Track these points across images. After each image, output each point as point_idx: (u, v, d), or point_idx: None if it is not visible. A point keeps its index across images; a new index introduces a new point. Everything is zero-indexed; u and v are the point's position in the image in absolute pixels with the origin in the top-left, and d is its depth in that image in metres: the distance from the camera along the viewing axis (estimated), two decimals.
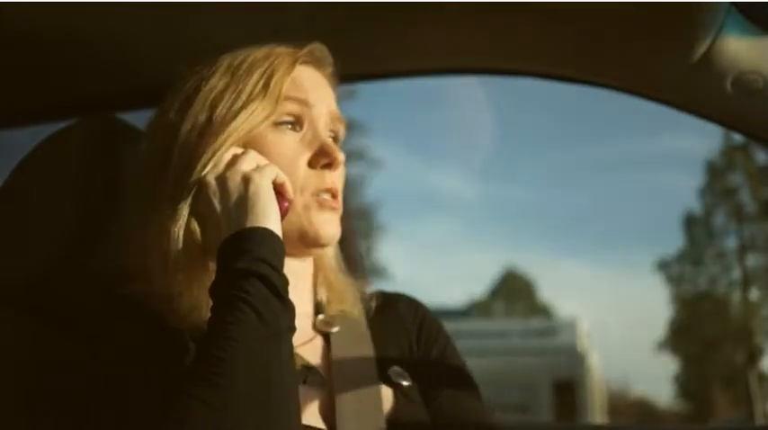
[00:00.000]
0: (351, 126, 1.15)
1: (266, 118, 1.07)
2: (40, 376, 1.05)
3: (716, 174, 25.17)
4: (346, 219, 1.17)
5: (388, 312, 1.25)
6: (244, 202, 0.99)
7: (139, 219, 1.05)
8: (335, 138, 1.16)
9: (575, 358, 19.27)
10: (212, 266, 1.01)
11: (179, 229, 1.01)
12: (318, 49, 1.16)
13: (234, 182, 1.01)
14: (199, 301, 1.01)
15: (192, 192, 1.02)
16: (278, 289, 0.94)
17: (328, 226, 1.11)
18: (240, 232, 0.97)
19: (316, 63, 1.16)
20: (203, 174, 1.02)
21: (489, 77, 1.53)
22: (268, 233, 0.98)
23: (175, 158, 1.05)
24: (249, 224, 0.98)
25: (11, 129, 1.64)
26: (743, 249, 24.66)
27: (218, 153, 1.03)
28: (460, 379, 1.23)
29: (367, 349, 1.17)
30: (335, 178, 1.12)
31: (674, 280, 26.56)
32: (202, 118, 1.06)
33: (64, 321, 1.01)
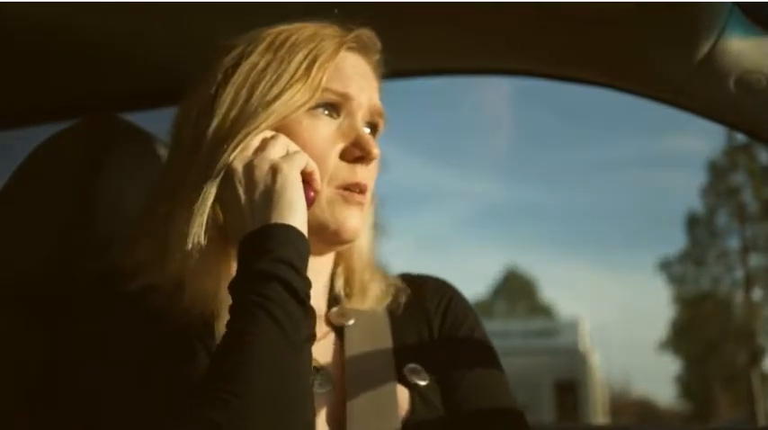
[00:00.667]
0: None
1: (304, 104, 1.02)
2: (40, 376, 1.05)
3: (718, 173, 25.17)
4: None
5: (412, 299, 1.18)
6: (270, 194, 0.95)
7: (165, 199, 1.00)
8: (373, 131, 1.11)
9: (576, 358, 19.29)
10: (232, 254, 0.99)
11: (202, 213, 0.97)
12: (366, 34, 1.11)
13: (261, 170, 0.97)
14: (206, 292, 0.98)
15: (220, 176, 0.97)
16: (299, 294, 0.91)
17: (351, 221, 1.05)
18: (263, 229, 0.93)
19: (362, 49, 1.11)
20: (231, 158, 0.98)
21: (491, 77, 1.52)
22: (293, 231, 0.94)
23: (209, 137, 1.00)
24: (274, 219, 0.93)
25: (13, 129, 1.63)
26: (745, 249, 24.66)
27: (250, 136, 0.99)
28: (485, 360, 1.17)
29: (384, 343, 1.12)
30: (367, 173, 1.07)
31: (676, 280, 26.57)
32: (240, 98, 1.01)
33: (63, 320, 1.00)
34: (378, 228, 1.21)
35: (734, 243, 25.10)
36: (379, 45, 1.12)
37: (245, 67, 1.03)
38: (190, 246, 0.96)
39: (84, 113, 1.24)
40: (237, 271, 0.93)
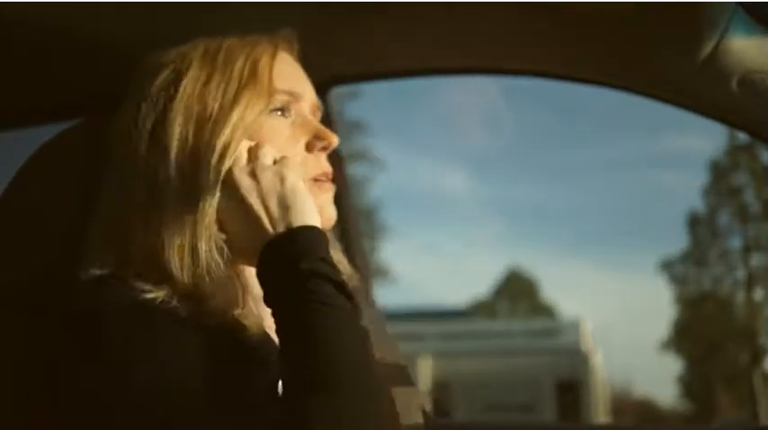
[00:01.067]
0: (353, 126, 1.14)
1: (264, 107, 1.03)
2: (43, 377, 1.04)
3: (720, 173, 25.19)
4: (353, 220, 1.16)
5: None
6: (284, 200, 0.96)
7: (137, 222, 0.99)
8: None
9: (578, 358, 19.31)
10: (242, 263, 1.00)
11: (208, 228, 0.97)
12: (288, 33, 1.12)
13: (267, 178, 0.97)
14: (230, 298, 0.97)
15: (216, 190, 0.97)
16: (346, 289, 0.92)
17: (329, 208, 1.07)
18: (294, 232, 0.94)
19: (290, 49, 1.12)
20: (222, 167, 0.98)
21: (493, 77, 1.52)
22: (321, 232, 0.96)
23: (175, 157, 0.99)
24: (298, 222, 0.94)
25: (15, 129, 1.63)
26: (747, 249, 24.67)
27: (231, 146, 0.99)
28: None
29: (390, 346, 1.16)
30: (326, 161, 1.10)
31: (678, 280, 26.58)
32: (193, 112, 1.00)
33: (81, 324, 0.98)
34: (379, 229, 1.21)
35: (735, 243, 25.13)
36: (296, 40, 1.14)
37: (187, 82, 1.02)
38: (204, 264, 0.96)
39: (88, 113, 1.24)
40: (272, 277, 0.93)
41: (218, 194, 0.97)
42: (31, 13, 1.27)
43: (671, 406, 28.75)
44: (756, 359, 22.73)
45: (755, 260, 24.80)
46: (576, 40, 1.36)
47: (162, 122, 1.01)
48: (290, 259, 0.92)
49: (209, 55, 1.04)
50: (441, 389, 17.22)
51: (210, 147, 0.98)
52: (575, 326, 20.42)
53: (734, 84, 1.27)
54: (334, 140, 1.08)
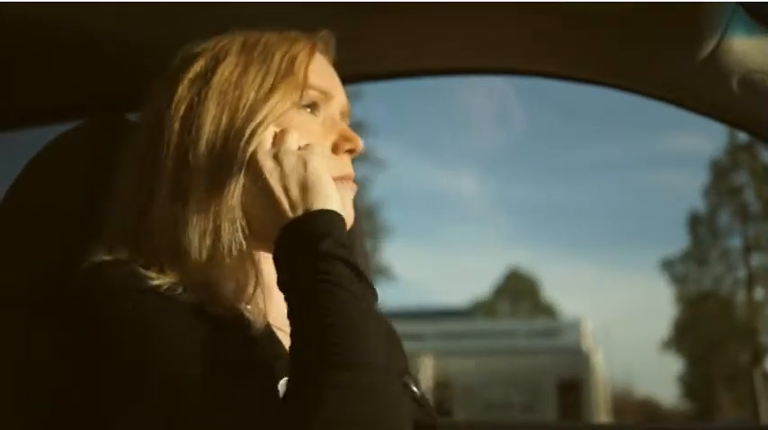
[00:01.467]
0: (355, 126, 1.14)
1: (297, 100, 1.03)
2: (45, 377, 1.05)
3: (720, 173, 25.19)
4: (355, 220, 1.16)
5: None
6: (305, 183, 0.96)
7: (166, 196, 0.99)
8: None
9: (579, 358, 19.30)
10: (258, 248, 1.00)
11: (232, 209, 0.97)
12: (328, 37, 1.13)
13: (290, 162, 0.97)
14: (241, 286, 0.99)
15: (242, 172, 0.97)
16: (363, 274, 0.92)
17: (350, 208, 1.06)
18: (313, 215, 0.94)
19: (326, 52, 1.13)
20: (247, 153, 0.98)
21: (494, 77, 1.52)
22: (340, 217, 0.96)
23: (206, 139, 0.99)
24: (317, 206, 0.94)
25: (18, 130, 1.63)
26: (747, 249, 24.67)
27: (260, 129, 0.99)
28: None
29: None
30: (350, 163, 1.10)
31: (679, 279, 26.60)
32: (230, 97, 1.01)
33: (83, 320, 0.98)
34: (380, 228, 1.22)
35: (736, 242, 25.15)
36: (333, 45, 1.15)
37: (224, 68, 1.03)
38: (225, 244, 0.96)
39: (92, 114, 1.24)
40: (289, 259, 0.93)
41: (242, 177, 0.98)
42: (34, 12, 1.27)
43: (672, 405, 28.76)
44: (757, 358, 22.73)
45: (756, 259, 24.84)
46: (576, 41, 1.36)
47: (197, 106, 1.01)
48: (307, 241, 0.92)
49: (247, 46, 1.05)
50: (442, 389, 17.21)
51: (241, 131, 0.98)
52: (575, 326, 20.41)
53: (734, 83, 1.28)
54: (361, 144, 1.08)
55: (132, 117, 1.27)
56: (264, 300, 1.00)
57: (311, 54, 1.07)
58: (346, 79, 1.17)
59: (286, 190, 0.96)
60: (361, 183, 1.16)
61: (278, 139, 1.00)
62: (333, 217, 0.94)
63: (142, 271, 0.95)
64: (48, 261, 1.13)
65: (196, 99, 1.01)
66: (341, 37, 1.15)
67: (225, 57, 1.04)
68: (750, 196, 24.58)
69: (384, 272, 24.80)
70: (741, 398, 23.51)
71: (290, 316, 0.91)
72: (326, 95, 1.08)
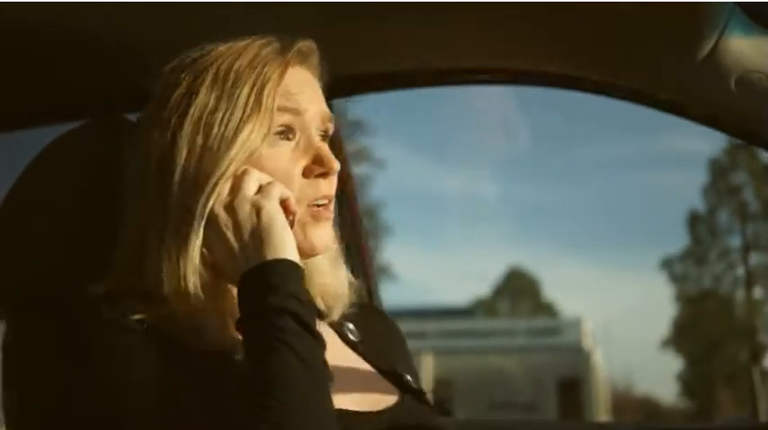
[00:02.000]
0: (355, 126, 1.13)
1: (263, 138, 1.03)
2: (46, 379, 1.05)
3: (720, 172, 25.17)
4: (357, 223, 1.16)
5: (381, 324, 1.32)
6: (258, 233, 0.99)
7: (144, 243, 1.02)
8: (325, 136, 1.12)
9: (579, 357, 19.29)
10: (227, 288, 1.04)
11: (193, 259, 0.99)
12: (306, 46, 1.10)
13: (244, 211, 1.00)
14: (213, 327, 1.03)
15: (203, 223, 1.00)
16: (310, 326, 0.95)
17: (324, 238, 1.08)
18: (263, 266, 0.96)
19: (304, 62, 1.11)
20: (208, 206, 1.00)
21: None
22: (292, 265, 0.98)
23: (176, 185, 1.02)
24: (270, 256, 0.97)
25: (19, 130, 1.64)
26: (746, 248, 24.67)
27: (221, 181, 1.01)
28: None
29: (389, 358, 1.22)
30: (329, 184, 1.09)
31: (678, 278, 26.60)
32: (198, 143, 1.02)
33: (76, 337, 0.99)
34: (381, 228, 1.22)
35: (735, 242, 25.15)
36: (317, 50, 1.12)
37: (196, 108, 1.03)
38: (189, 287, 0.99)
39: (91, 114, 1.24)
40: (245, 308, 0.96)
41: (202, 229, 1.00)
42: (35, 12, 1.28)
43: (672, 403, 28.74)
44: (756, 356, 22.72)
45: (755, 259, 24.84)
46: (574, 41, 1.36)
47: (171, 146, 1.03)
48: (258, 293, 0.95)
49: (219, 77, 1.04)
50: (442, 388, 17.19)
51: (204, 183, 1.00)
52: (576, 325, 20.40)
53: (732, 83, 1.28)
54: (335, 166, 1.07)
55: (133, 117, 1.27)
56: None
57: (281, 76, 1.05)
58: (344, 83, 1.17)
59: (240, 240, 0.99)
60: (361, 183, 1.15)
61: (235, 186, 1.02)
62: (284, 267, 0.97)
63: (129, 306, 0.99)
64: (48, 261, 1.13)
65: (170, 143, 1.03)
66: (340, 37, 1.14)
67: (197, 92, 1.04)
68: (749, 196, 24.58)
69: (385, 271, 24.78)
70: (740, 397, 23.49)
71: (246, 359, 0.94)
72: (297, 112, 1.07)
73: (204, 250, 1.01)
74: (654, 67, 1.34)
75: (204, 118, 1.02)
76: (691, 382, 27.44)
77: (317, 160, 1.07)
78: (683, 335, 27.11)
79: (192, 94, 1.04)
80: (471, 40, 1.42)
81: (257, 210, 0.99)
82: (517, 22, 1.34)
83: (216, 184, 1.00)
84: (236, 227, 0.99)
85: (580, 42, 1.37)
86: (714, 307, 25.81)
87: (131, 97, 1.36)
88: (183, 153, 1.01)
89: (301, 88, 1.08)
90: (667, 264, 26.51)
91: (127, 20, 1.32)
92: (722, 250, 25.46)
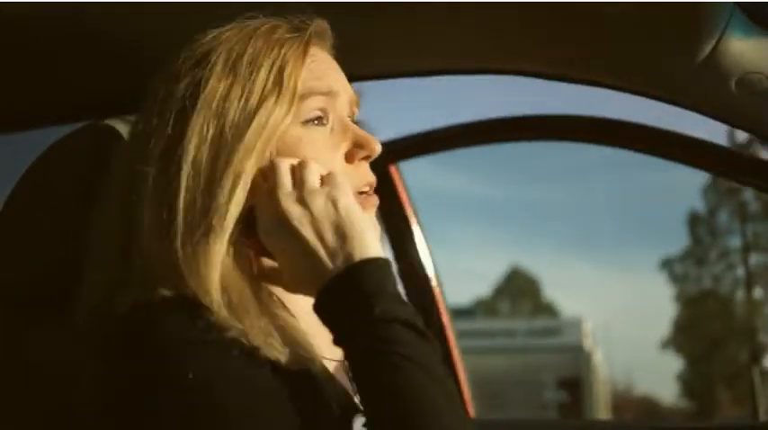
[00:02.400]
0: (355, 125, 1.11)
1: (284, 118, 0.92)
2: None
3: None
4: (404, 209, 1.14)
5: None
6: (341, 229, 0.87)
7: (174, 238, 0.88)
8: (352, 121, 1.03)
9: (579, 356, 19.36)
10: (278, 295, 0.94)
11: (232, 266, 0.87)
12: (321, 25, 1.01)
13: (318, 204, 0.88)
14: (268, 331, 0.86)
15: (231, 221, 0.88)
16: (423, 331, 0.84)
17: (375, 223, 0.97)
18: (356, 268, 0.85)
19: (322, 41, 1.02)
20: (234, 199, 0.88)
21: (494, 77, 1.52)
22: (386, 264, 0.86)
23: (187, 183, 0.89)
24: (358, 255, 0.85)
25: (21, 131, 1.63)
26: (746, 248, 24.68)
27: (244, 175, 0.89)
28: None
29: None
30: (369, 170, 1.00)
31: (678, 279, 26.62)
32: (211, 132, 0.90)
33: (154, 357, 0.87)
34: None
35: (735, 242, 25.17)
36: (330, 31, 1.04)
37: (206, 95, 0.92)
38: (219, 299, 0.85)
39: (93, 116, 1.24)
40: (341, 320, 0.85)
41: (231, 226, 0.88)
42: (35, 12, 1.27)
43: (671, 403, 28.74)
44: (756, 357, 22.73)
45: (755, 259, 24.84)
46: (574, 42, 1.36)
47: (177, 142, 0.91)
48: (358, 302, 0.83)
49: (230, 60, 0.94)
50: None
51: (216, 175, 0.89)
52: (576, 325, 20.45)
53: (732, 84, 1.28)
54: (377, 147, 0.98)
55: (134, 118, 1.27)
56: (306, 336, 0.91)
57: (301, 58, 0.96)
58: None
59: (321, 238, 0.87)
60: None
61: (296, 176, 0.91)
62: (380, 267, 0.86)
63: (199, 313, 0.84)
64: (48, 261, 1.14)
65: (176, 131, 0.91)
66: (339, 37, 1.14)
67: (207, 80, 0.93)
68: (749, 196, 24.56)
69: None
70: (740, 397, 23.51)
71: (354, 379, 0.85)
72: (331, 95, 0.98)
73: (251, 253, 0.91)
74: (654, 68, 1.34)
75: (215, 106, 0.91)
76: (691, 382, 27.44)
77: (358, 143, 0.98)
78: (683, 336, 27.12)
79: (201, 81, 0.93)
80: (469, 40, 1.42)
81: (333, 202, 0.88)
82: (516, 22, 1.34)
83: (235, 177, 0.89)
84: (314, 221, 0.87)
85: (580, 44, 1.37)
86: (714, 307, 25.82)
87: (134, 99, 1.36)
88: (194, 144, 0.90)
89: (327, 71, 1.00)
90: (667, 265, 26.54)
91: (127, 20, 1.32)
92: (722, 250, 25.48)
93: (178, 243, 0.87)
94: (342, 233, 0.86)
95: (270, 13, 1.03)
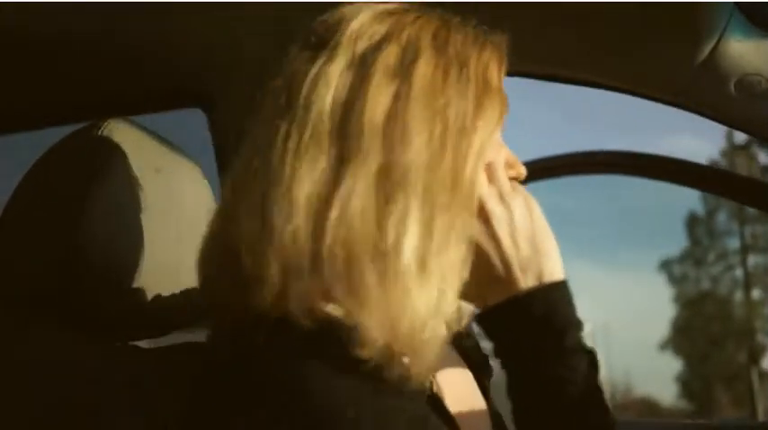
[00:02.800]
0: None
1: (498, 119, 0.81)
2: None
3: None
4: None
5: None
6: (534, 240, 0.80)
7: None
8: None
9: None
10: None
11: (462, 271, 0.75)
12: (503, 39, 0.91)
13: (519, 209, 0.80)
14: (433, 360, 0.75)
15: (473, 210, 0.77)
16: (597, 366, 0.82)
17: None
18: (548, 292, 0.79)
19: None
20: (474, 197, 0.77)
21: None
22: (568, 288, 0.81)
23: (418, 159, 0.73)
24: (548, 273, 0.79)
25: (22, 132, 1.64)
26: (745, 249, 24.65)
27: (480, 162, 0.78)
28: None
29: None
30: None
31: (677, 280, 26.58)
32: (437, 128, 0.75)
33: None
34: None
35: (733, 243, 25.14)
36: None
37: (420, 77, 0.78)
38: (445, 310, 0.74)
39: (93, 115, 1.24)
40: (525, 341, 0.78)
41: (473, 222, 0.77)
42: (36, 13, 1.28)
43: (670, 404, 28.72)
44: (755, 357, 22.70)
45: (753, 260, 24.83)
46: (575, 42, 1.37)
47: (395, 115, 0.75)
48: (550, 325, 0.78)
49: (436, 45, 0.80)
50: None
51: (463, 158, 0.76)
52: None
53: (731, 86, 1.28)
54: (524, 170, 0.88)
55: (137, 120, 1.27)
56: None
57: (500, 60, 0.86)
58: None
59: (516, 246, 0.79)
60: None
61: (491, 174, 0.81)
62: (566, 293, 0.80)
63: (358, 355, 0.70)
64: (48, 261, 1.14)
65: (396, 105, 0.75)
66: None
67: (416, 59, 0.78)
68: None
69: None
70: (739, 398, 23.51)
71: (525, 398, 0.81)
72: (507, 108, 0.85)
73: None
74: (653, 69, 1.34)
75: (438, 81, 0.78)
76: (689, 383, 27.42)
77: (509, 162, 0.87)
78: (682, 336, 27.10)
79: (411, 59, 0.78)
80: None
81: (529, 208, 0.81)
82: (515, 23, 1.35)
83: (477, 162, 0.77)
84: (513, 226, 0.79)
85: (579, 44, 1.37)
86: (713, 308, 25.82)
87: (136, 100, 1.36)
88: (421, 119, 0.75)
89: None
90: (666, 266, 26.52)
91: (127, 20, 1.32)
92: (721, 252, 25.46)
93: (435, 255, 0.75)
94: (535, 245, 0.80)
95: (269, 28, 1.02)
